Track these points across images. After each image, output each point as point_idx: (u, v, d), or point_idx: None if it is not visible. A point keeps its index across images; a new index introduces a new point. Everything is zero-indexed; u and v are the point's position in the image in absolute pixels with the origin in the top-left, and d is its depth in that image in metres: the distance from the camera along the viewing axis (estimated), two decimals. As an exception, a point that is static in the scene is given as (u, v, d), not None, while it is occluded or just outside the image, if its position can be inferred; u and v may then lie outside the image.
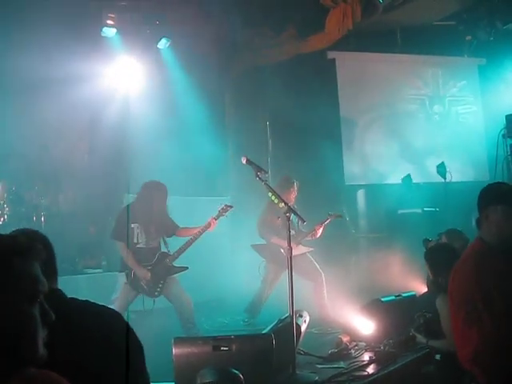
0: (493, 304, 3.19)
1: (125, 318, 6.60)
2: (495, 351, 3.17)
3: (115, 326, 2.39)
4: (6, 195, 8.88)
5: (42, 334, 1.63)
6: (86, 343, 2.21)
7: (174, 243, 7.18)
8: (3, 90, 9.05)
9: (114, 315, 2.46)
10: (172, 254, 6.94)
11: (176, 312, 6.88)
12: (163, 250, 7.01)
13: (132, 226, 6.76)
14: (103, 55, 9.96)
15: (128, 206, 7.06)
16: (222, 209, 7.02)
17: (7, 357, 1.53)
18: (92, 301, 2.42)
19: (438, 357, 4.82)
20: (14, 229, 7.79)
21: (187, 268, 6.93)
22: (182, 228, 7.10)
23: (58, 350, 1.70)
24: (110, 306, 2.51)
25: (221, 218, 7.01)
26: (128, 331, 2.42)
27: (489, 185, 3.71)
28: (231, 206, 7.10)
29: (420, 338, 5.25)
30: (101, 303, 2.52)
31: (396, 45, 12.45)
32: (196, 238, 6.92)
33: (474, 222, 3.70)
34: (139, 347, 2.45)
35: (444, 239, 6.23)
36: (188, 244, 6.92)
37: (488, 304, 3.20)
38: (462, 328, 3.31)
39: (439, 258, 4.94)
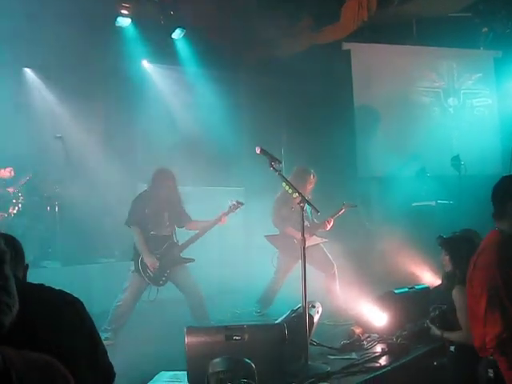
0: None
1: (136, 306, 6.65)
2: None
3: (64, 311, 2.36)
4: (21, 184, 8.93)
5: None
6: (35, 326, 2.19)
7: (183, 233, 7.21)
8: (18, 79, 9.08)
9: (68, 300, 2.43)
10: (181, 244, 6.97)
11: (187, 302, 6.90)
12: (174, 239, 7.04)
13: (146, 210, 6.80)
14: (118, 45, 9.99)
15: (142, 192, 7.09)
16: (234, 205, 7.03)
17: None
18: (47, 285, 2.40)
19: (452, 349, 4.79)
20: (28, 218, 7.87)
21: (193, 260, 6.94)
22: (194, 220, 7.13)
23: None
24: (67, 292, 2.46)
25: (231, 214, 7.04)
26: (79, 318, 2.40)
27: (506, 177, 3.72)
28: (242, 203, 7.10)
29: (434, 330, 5.23)
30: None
31: (411, 36, 12.38)
32: (205, 232, 6.98)
33: (488, 215, 3.69)
34: (88, 335, 2.40)
35: None
36: (197, 236, 6.97)
37: (509, 290, 3.22)
38: (485, 313, 3.34)
39: (460, 248, 4.88)
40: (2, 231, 2.70)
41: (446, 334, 4.98)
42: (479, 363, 3.72)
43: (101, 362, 2.42)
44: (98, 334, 2.49)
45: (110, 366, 2.49)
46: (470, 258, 4.44)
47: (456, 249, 4.91)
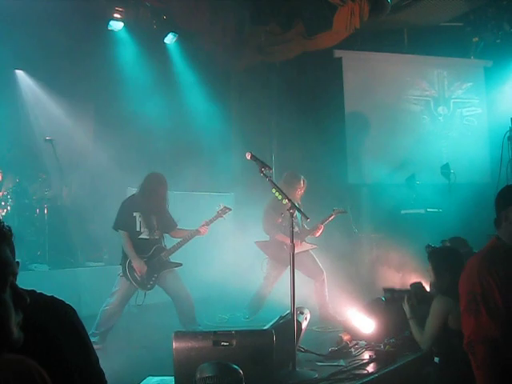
0: (491, 301, 3.28)
1: (124, 311, 6.62)
2: (486, 342, 3.27)
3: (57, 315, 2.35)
4: (10, 187, 8.90)
5: (15, 318, 1.61)
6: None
7: (170, 238, 7.21)
8: (8, 83, 9.06)
9: (60, 307, 2.40)
10: (168, 248, 6.96)
11: (175, 306, 6.89)
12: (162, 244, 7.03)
13: (134, 214, 6.80)
14: (110, 48, 9.99)
15: (130, 196, 7.09)
16: (221, 210, 7.04)
17: None
18: (39, 291, 2.38)
19: (436, 360, 4.82)
20: (17, 220, 7.81)
21: (181, 264, 6.94)
22: (179, 229, 7.11)
23: None
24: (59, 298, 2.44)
25: (219, 219, 7.04)
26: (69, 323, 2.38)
27: (508, 185, 3.79)
28: (230, 209, 7.11)
29: (407, 309, 5.28)
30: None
31: (402, 45, 12.43)
32: (187, 241, 6.94)
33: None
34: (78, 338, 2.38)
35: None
36: (181, 243, 6.95)
37: (486, 299, 3.29)
38: (462, 314, 3.43)
39: (442, 260, 4.95)
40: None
41: (412, 323, 5.07)
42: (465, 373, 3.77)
43: (93, 369, 2.41)
44: (90, 341, 2.48)
45: (101, 374, 2.47)
46: (452, 269, 4.55)
47: (438, 260, 4.98)
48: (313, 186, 8.21)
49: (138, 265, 6.65)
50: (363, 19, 10.31)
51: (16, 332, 1.60)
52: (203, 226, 6.91)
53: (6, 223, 1.73)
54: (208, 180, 10.58)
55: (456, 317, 4.57)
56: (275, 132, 12.16)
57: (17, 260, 1.78)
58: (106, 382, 2.43)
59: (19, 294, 1.64)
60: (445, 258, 4.96)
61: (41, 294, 2.29)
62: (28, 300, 1.66)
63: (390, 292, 5.67)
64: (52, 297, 2.35)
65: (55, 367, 1.83)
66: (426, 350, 4.89)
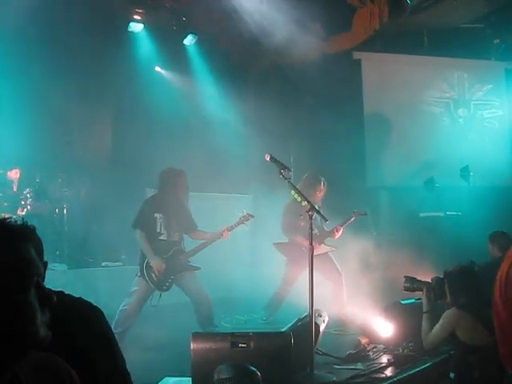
0: None
1: (141, 311, 6.61)
2: None
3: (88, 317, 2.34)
4: (29, 186, 8.95)
5: (41, 317, 1.61)
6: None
7: (190, 240, 7.20)
8: (28, 83, 9.11)
9: (90, 309, 2.39)
10: (188, 251, 6.94)
11: (194, 308, 6.87)
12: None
13: (155, 215, 6.79)
14: (130, 50, 10.04)
15: (152, 196, 7.09)
16: (244, 217, 7.00)
17: (8, 344, 1.53)
18: (67, 292, 2.37)
19: (452, 375, 4.80)
20: (36, 220, 7.83)
21: (199, 268, 6.90)
22: (199, 230, 7.09)
23: None
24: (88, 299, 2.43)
25: (241, 225, 7.01)
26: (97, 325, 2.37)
27: None
28: (252, 216, 7.06)
29: (425, 300, 5.37)
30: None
31: (422, 47, 12.37)
32: (207, 244, 6.92)
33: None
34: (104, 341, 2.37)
35: (490, 244, 6.55)
36: (201, 246, 6.92)
37: None
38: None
39: (458, 278, 5.05)
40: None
41: (425, 317, 5.23)
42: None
43: (120, 372, 2.39)
44: (117, 343, 2.46)
45: (128, 377, 2.46)
46: (467, 286, 4.59)
47: (454, 279, 5.09)
48: (331, 188, 8.18)
49: (157, 263, 6.61)
50: (383, 21, 10.28)
51: (42, 331, 1.60)
52: (224, 231, 6.89)
53: (29, 223, 1.73)
54: (226, 181, 10.58)
55: (467, 330, 4.60)
56: (294, 134, 12.13)
57: (45, 260, 1.78)
58: (132, 382, 2.42)
59: (45, 294, 1.64)
60: (460, 276, 5.05)
61: (69, 295, 2.29)
62: (54, 299, 1.66)
63: (411, 281, 5.66)
64: (80, 298, 2.34)
65: (82, 369, 1.83)
66: (426, 348, 5.25)
